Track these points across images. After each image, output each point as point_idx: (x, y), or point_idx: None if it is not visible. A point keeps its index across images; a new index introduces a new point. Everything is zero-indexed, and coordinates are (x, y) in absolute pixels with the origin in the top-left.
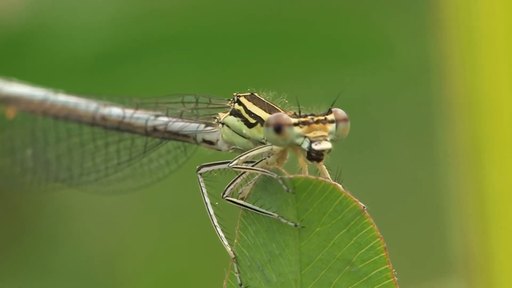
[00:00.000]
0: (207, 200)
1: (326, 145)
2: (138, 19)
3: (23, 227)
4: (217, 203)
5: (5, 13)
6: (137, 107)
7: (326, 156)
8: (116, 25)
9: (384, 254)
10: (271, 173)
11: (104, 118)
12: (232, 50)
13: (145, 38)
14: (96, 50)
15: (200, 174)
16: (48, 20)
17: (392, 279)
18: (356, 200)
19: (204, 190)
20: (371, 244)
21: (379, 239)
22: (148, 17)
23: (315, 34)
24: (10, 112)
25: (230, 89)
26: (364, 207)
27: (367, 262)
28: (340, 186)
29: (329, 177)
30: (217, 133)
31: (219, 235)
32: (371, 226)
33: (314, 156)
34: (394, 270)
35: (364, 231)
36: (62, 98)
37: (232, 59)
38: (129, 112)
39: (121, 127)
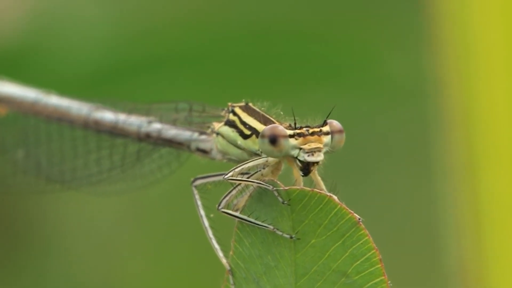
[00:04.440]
0: (202, 212)
1: (318, 157)
2: (136, 36)
3: (16, 245)
4: (212, 215)
5: (2, 31)
6: (130, 112)
7: (316, 168)
8: (113, 43)
9: (379, 265)
10: (267, 184)
11: (96, 122)
12: (229, 66)
13: (143, 56)
14: (93, 67)
15: (195, 186)
16: (45, 38)
17: None
18: (352, 211)
19: (199, 203)
20: (367, 255)
21: (374, 250)
22: (145, 34)
23: (310, 51)
24: (1, 110)
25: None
26: (359, 219)
27: (363, 274)
28: (335, 197)
29: (324, 189)
30: (211, 143)
31: (214, 247)
32: (367, 237)
33: (306, 166)
34: (389, 282)
35: (360, 242)
36: (55, 101)
37: (229, 78)
38: (122, 117)
39: (114, 131)
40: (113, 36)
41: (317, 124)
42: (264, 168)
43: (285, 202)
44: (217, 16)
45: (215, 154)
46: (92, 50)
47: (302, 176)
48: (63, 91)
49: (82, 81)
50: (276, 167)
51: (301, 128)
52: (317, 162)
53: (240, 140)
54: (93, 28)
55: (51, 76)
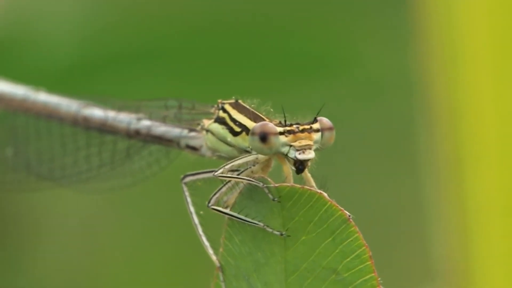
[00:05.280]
0: (192, 209)
1: (309, 155)
2: (113, 29)
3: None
4: (202, 212)
5: None
6: (119, 109)
7: (309, 165)
8: (89, 36)
9: (369, 262)
10: (257, 181)
11: (86, 119)
12: (211, 61)
13: (120, 49)
14: (68, 62)
15: (185, 183)
16: (19, 32)
17: None
18: (342, 208)
19: (189, 200)
20: (357, 252)
21: (364, 247)
22: (122, 27)
23: (293, 47)
24: None
25: (208, 101)
26: (349, 216)
27: (353, 271)
28: (325, 194)
29: (315, 186)
30: (201, 140)
31: (204, 244)
32: (357, 234)
33: (298, 165)
34: (379, 279)
35: (350, 239)
36: (43, 98)
37: (211, 71)
38: (111, 114)
39: (103, 129)
40: (89, 29)
41: (307, 121)
42: (254, 165)
43: (275, 199)
44: (199, 9)
45: (205, 151)
46: (68, 43)
47: (297, 173)
48: (39, 85)
49: (57, 76)
50: (266, 164)
51: (291, 125)
52: (309, 160)
53: (230, 137)
54: (67, 21)
55: (26, 71)
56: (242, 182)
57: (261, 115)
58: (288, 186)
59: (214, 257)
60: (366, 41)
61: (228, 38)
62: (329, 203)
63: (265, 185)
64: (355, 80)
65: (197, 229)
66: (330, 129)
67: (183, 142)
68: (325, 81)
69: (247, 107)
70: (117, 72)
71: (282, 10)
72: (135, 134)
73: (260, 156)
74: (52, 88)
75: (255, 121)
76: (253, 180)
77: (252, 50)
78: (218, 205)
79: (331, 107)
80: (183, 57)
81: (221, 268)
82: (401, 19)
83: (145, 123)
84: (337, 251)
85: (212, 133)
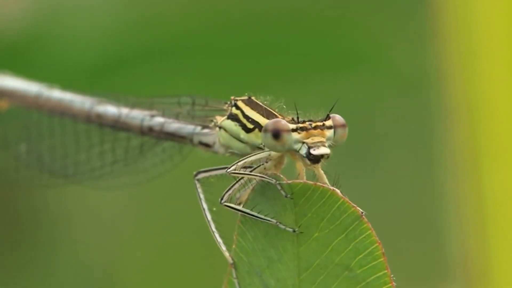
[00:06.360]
0: (205, 206)
1: (324, 150)
2: (139, 27)
3: (22, 236)
4: (215, 208)
5: (5, 21)
6: (132, 106)
7: (323, 162)
8: (117, 34)
9: (382, 259)
10: (270, 178)
11: (99, 116)
12: (233, 57)
13: (146, 47)
14: (96, 58)
15: (198, 180)
16: (48, 29)
17: (390, 284)
18: (355, 205)
19: (202, 196)
20: (370, 249)
21: (377, 244)
22: (149, 25)
23: (314, 43)
24: (3, 105)
25: (230, 96)
26: (362, 213)
27: (366, 268)
28: (338, 191)
29: (327, 182)
30: (214, 136)
31: (217, 240)
32: (370, 231)
33: (313, 160)
34: (392, 275)
35: (363, 236)
36: (57, 95)
37: (233, 67)
38: (124, 111)
39: (116, 125)
40: (117, 27)
41: (320, 118)
42: (267, 162)
43: (288, 195)
44: (223, 5)
45: (217, 148)
46: (97, 40)
47: (307, 163)
48: (67, 82)
49: (85, 72)
50: (279, 161)
51: (304, 122)
52: (327, 155)
53: (242, 134)
54: (98, 18)
55: (55, 67)
56: (254, 178)
57: (274, 112)
58: (301, 182)
59: (227, 254)
60: (389, 36)
61: (255, 36)
62: (342, 199)
63: (277, 182)
64: (378, 74)
65: (210, 225)
66: (342, 126)
67: (196, 139)
68: (350, 76)
69: (260, 103)
70: (146, 69)
71: (308, 8)
72: (148, 131)
73: (273, 153)
74: (79, 85)
75: (268, 118)
76: (265, 176)
77: (279, 47)
78: (231, 202)
79: (351, 100)
80: (211, 54)
81: (234, 264)
82: (424, 16)
83: (158, 120)
84: (350, 247)
85: (225, 130)
